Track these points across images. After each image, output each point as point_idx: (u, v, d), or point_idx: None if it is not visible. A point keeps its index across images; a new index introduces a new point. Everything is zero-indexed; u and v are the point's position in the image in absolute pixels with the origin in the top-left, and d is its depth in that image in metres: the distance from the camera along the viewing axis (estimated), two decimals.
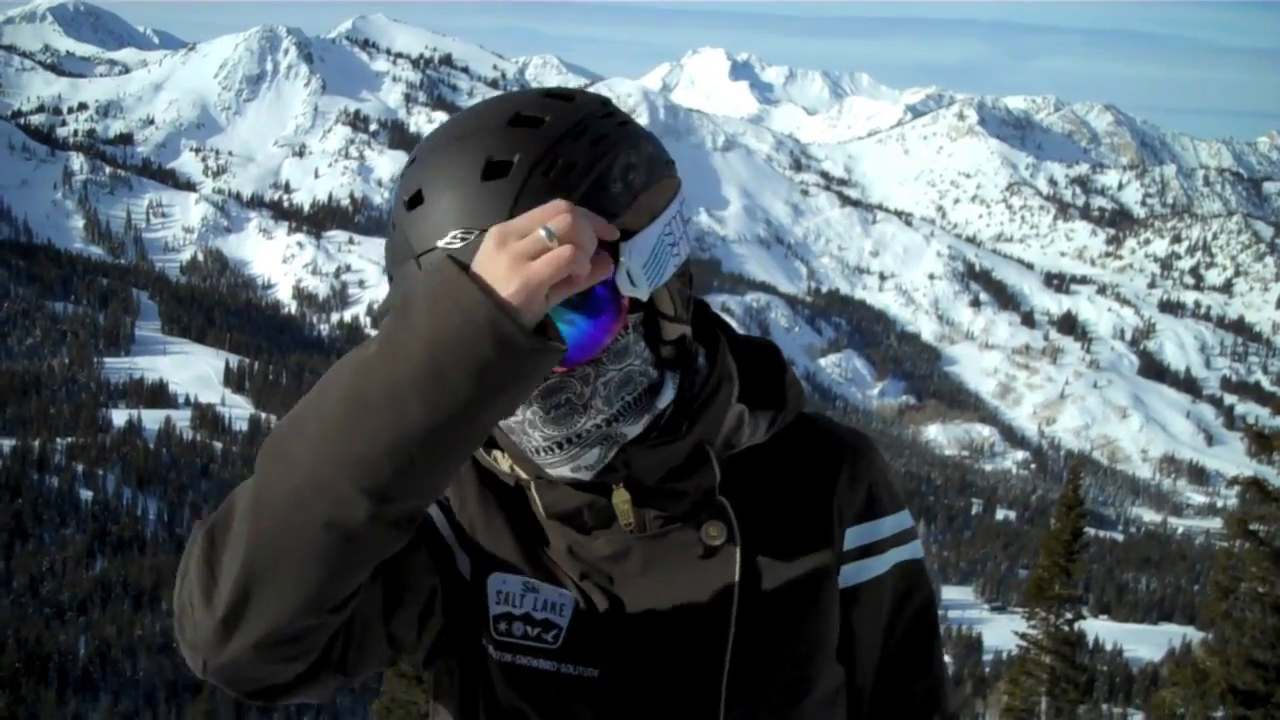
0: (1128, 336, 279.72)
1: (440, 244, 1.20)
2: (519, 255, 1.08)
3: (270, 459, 1.13)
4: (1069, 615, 18.04)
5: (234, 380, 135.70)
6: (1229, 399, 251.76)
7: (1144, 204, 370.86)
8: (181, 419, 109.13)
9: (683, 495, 1.39)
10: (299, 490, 1.10)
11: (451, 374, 1.06)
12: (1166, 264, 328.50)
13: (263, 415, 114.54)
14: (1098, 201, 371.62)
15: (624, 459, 1.34)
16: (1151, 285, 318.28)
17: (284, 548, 1.12)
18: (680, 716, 1.40)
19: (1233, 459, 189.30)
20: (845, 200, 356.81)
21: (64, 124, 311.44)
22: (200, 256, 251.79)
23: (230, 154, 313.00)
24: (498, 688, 1.43)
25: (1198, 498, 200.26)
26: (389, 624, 1.35)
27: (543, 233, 1.09)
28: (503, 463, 1.43)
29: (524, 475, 1.41)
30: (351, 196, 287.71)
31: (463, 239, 1.19)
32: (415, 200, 1.25)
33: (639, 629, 1.40)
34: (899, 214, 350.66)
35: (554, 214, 1.10)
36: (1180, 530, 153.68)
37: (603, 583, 1.41)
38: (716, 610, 1.40)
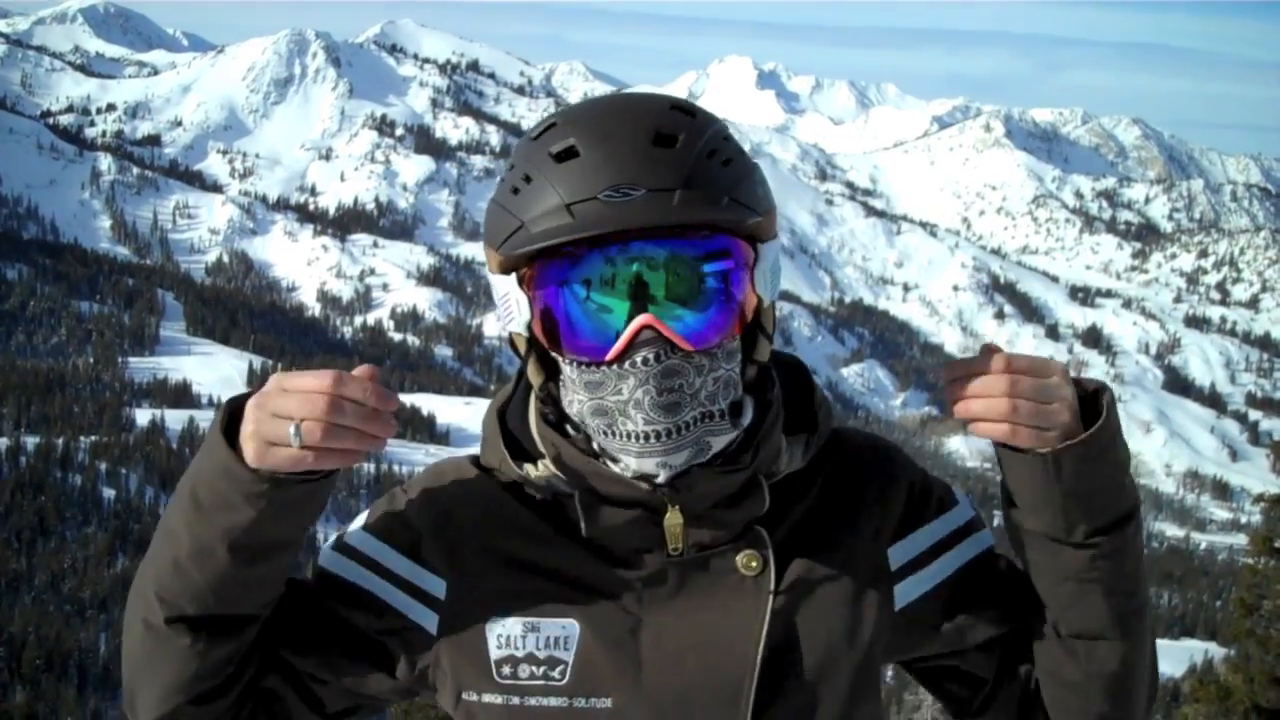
0: (1153, 351, 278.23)
1: (600, 195, 1.24)
2: (265, 439, 1.24)
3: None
4: None
5: (257, 382, 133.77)
6: (1254, 415, 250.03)
7: (1171, 218, 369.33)
8: (204, 419, 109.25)
9: (727, 523, 1.40)
10: (132, 599, 1.37)
11: (204, 502, 1.28)
12: (1193, 279, 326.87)
13: None
14: (1124, 215, 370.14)
15: (688, 482, 1.35)
16: (1177, 300, 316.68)
17: (131, 646, 1.37)
18: None
19: (1257, 475, 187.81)
20: (870, 210, 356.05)
21: (92, 124, 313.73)
22: (225, 258, 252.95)
23: (257, 156, 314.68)
24: None
25: (1221, 513, 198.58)
26: (303, 695, 1.46)
27: (291, 430, 1.21)
28: (535, 473, 1.43)
29: (564, 489, 1.41)
30: (376, 200, 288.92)
31: (625, 194, 1.24)
32: (568, 154, 1.28)
33: (660, 655, 1.39)
34: (924, 225, 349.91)
35: (316, 403, 1.22)
36: (1203, 546, 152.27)
37: (630, 604, 1.41)
38: (744, 640, 1.39)
